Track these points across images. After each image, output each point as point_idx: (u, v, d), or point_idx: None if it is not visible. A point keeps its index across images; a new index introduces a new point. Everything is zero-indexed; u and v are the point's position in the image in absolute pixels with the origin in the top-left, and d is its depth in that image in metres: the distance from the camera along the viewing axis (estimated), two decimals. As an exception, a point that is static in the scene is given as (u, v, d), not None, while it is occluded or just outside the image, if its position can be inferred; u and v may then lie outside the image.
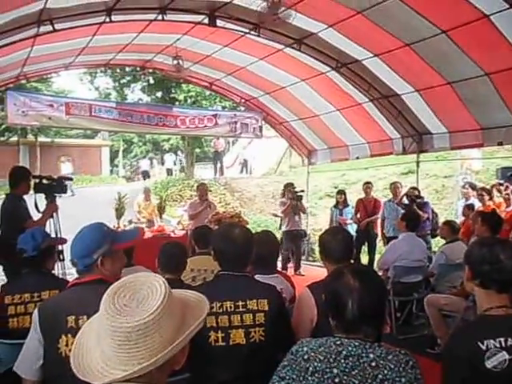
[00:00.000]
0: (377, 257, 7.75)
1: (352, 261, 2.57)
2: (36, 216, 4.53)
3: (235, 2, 5.83)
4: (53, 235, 4.31)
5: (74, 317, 1.80)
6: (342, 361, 1.42)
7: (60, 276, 4.14)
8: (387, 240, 7.27)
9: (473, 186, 7.79)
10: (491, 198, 6.72)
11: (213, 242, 2.31)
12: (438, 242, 7.63)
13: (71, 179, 5.44)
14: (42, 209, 4.63)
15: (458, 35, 5.29)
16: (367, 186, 8.37)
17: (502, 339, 1.61)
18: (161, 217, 8.60)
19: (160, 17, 5.96)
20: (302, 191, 8.57)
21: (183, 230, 7.96)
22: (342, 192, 9.02)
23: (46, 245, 2.74)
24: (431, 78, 6.25)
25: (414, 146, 7.82)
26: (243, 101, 9.71)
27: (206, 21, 6.21)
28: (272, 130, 11.12)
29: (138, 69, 9.55)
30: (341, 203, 8.71)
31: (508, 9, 4.61)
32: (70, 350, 1.56)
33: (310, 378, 1.43)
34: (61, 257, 4.60)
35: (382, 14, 5.39)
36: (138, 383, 0.99)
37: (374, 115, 7.84)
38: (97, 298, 1.09)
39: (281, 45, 6.96)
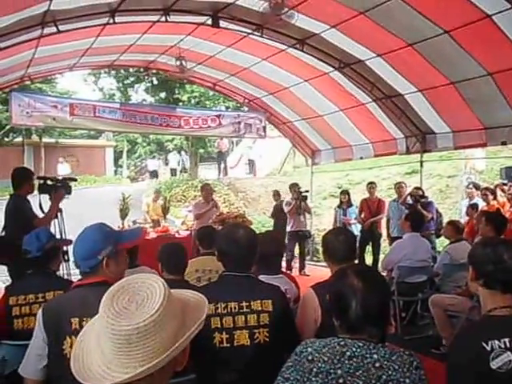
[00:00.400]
0: (381, 257, 7.75)
1: (356, 261, 2.57)
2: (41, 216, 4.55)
3: (238, 2, 5.84)
4: (58, 236, 4.34)
5: (77, 319, 1.80)
6: (346, 361, 1.42)
7: (65, 277, 4.16)
8: (392, 240, 7.25)
9: (477, 186, 7.77)
10: (495, 198, 6.71)
11: (217, 243, 2.31)
12: (442, 242, 7.61)
13: (75, 180, 5.46)
14: (46, 210, 4.65)
15: (461, 35, 5.28)
16: (371, 186, 8.36)
17: (507, 340, 1.59)
18: (165, 217, 8.61)
19: (163, 18, 5.97)
20: (307, 191, 8.58)
21: (187, 230, 7.97)
22: (345, 192, 9.02)
23: (50, 245, 2.74)
24: (434, 77, 6.24)
25: (417, 145, 7.81)
26: (247, 101, 9.72)
27: (210, 22, 6.23)
28: (275, 130, 11.11)
29: (142, 69, 9.58)
30: (345, 203, 8.70)
31: (510, 9, 4.61)
32: None
33: (314, 378, 1.43)
34: (66, 257, 4.63)
35: (384, 15, 5.39)
36: None
37: (378, 115, 7.83)
38: (100, 300, 1.08)
39: (284, 45, 6.96)
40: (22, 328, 2.54)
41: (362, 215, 8.24)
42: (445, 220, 7.19)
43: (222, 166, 19.48)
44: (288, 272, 5.39)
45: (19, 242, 2.84)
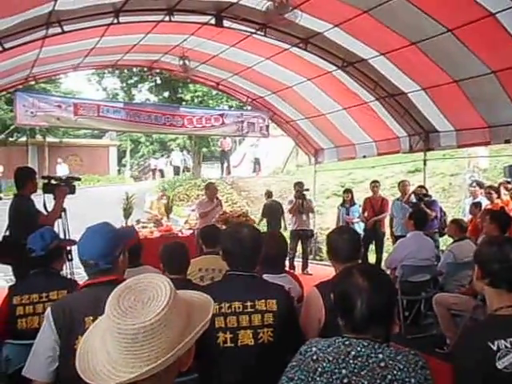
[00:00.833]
0: (384, 256, 7.74)
1: (359, 260, 2.56)
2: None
3: (242, 2, 5.84)
4: (61, 236, 4.36)
5: (91, 318, 1.79)
6: (351, 361, 1.42)
7: (68, 276, 4.18)
8: (395, 239, 7.24)
9: (480, 184, 7.74)
10: (499, 196, 6.69)
11: (221, 242, 2.30)
12: (445, 241, 7.60)
13: (79, 179, 5.48)
14: (50, 209, 4.67)
15: (464, 33, 5.26)
16: (374, 184, 8.35)
17: None
18: (168, 216, 8.63)
19: (167, 18, 5.98)
20: (307, 190, 8.55)
21: (190, 229, 7.98)
22: (348, 191, 9.01)
23: (54, 245, 2.76)
24: (437, 76, 6.23)
25: (420, 144, 7.79)
26: (250, 100, 9.72)
27: (213, 21, 6.23)
28: (278, 129, 11.12)
29: (146, 69, 9.61)
30: (348, 202, 8.69)
31: (514, 7, 4.59)
32: None
33: (318, 378, 1.42)
34: (69, 257, 4.65)
35: (387, 13, 5.37)
36: None
37: (381, 114, 7.82)
38: None
39: (287, 44, 6.96)
40: (26, 327, 2.55)
41: (366, 214, 8.23)
42: (448, 219, 7.18)
43: (225, 165, 19.50)
44: (291, 271, 5.40)
45: (23, 241, 2.86)
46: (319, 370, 1.43)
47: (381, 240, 8.14)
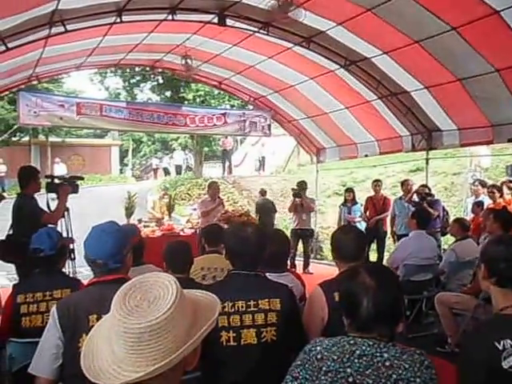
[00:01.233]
0: (385, 255, 7.74)
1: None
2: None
3: (244, 1, 5.83)
4: (64, 235, 4.37)
5: (95, 316, 1.80)
6: (356, 360, 1.41)
7: (71, 275, 4.20)
8: (398, 238, 7.24)
9: (483, 183, 7.72)
10: (501, 195, 6.67)
11: (225, 241, 2.31)
12: (447, 240, 7.59)
13: (82, 178, 5.49)
14: (53, 208, 4.69)
15: (468, 32, 5.24)
16: (376, 183, 8.34)
17: None
18: (170, 216, 8.64)
19: (170, 17, 5.98)
20: (303, 189, 8.54)
21: (192, 228, 7.99)
22: (350, 190, 8.99)
23: (61, 244, 2.77)
24: (440, 74, 6.21)
25: (423, 143, 7.78)
26: (252, 99, 9.71)
27: (216, 20, 6.22)
28: (280, 129, 11.12)
29: (148, 68, 9.60)
30: (349, 201, 8.68)
31: (519, 5, 4.58)
32: None
33: (323, 377, 1.42)
34: (72, 256, 4.67)
35: (391, 12, 5.36)
36: None
37: (383, 113, 7.80)
38: None
39: (290, 43, 6.94)
40: (30, 326, 2.56)
41: (367, 213, 8.23)
42: (450, 218, 7.17)
43: (227, 164, 19.50)
44: (293, 270, 5.41)
45: (26, 240, 2.87)
46: (324, 368, 1.43)
47: (382, 239, 8.14)
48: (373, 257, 8.22)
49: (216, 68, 8.54)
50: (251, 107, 10.26)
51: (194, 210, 9.71)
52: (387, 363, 1.40)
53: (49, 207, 4.66)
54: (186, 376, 1.87)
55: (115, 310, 1.00)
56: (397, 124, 7.90)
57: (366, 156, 9.17)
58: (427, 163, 8.24)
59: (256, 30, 6.65)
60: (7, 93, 8.68)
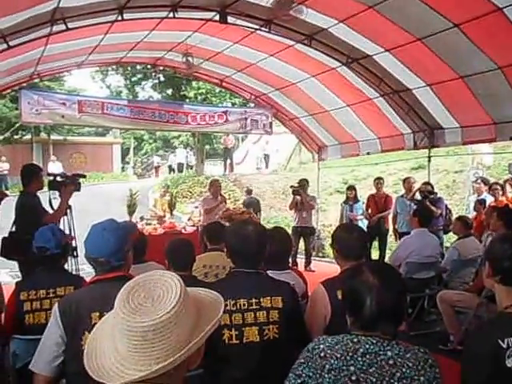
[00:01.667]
0: (387, 252, 7.73)
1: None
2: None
3: (246, -2, 5.83)
4: (66, 232, 4.39)
5: (98, 313, 1.79)
6: (359, 358, 1.41)
7: (74, 272, 4.21)
8: (400, 235, 7.23)
9: (485, 181, 7.71)
10: (504, 193, 6.66)
11: (227, 240, 2.30)
12: (449, 238, 7.58)
13: (85, 176, 5.49)
14: (55, 206, 4.70)
15: (471, 29, 5.21)
16: (378, 181, 8.34)
17: None
18: (171, 213, 8.65)
19: (171, 14, 5.96)
20: (301, 186, 8.54)
21: (194, 226, 8.00)
22: (352, 188, 8.99)
23: (64, 241, 2.78)
24: (443, 72, 6.19)
25: (425, 141, 7.76)
26: (253, 97, 9.70)
27: (217, 18, 6.21)
28: (282, 126, 11.11)
29: (149, 66, 9.61)
30: (351, 199, 8.68)
31: (522, 1, 4.55)
32: None
33: (326, 375, 1.42)
34: (75, 253, 4.68)
35: (393, 9, 5.34)
36: None
37: (385, 110, 7.78)
38: None
39: (291, 41, 6.93)
40: (33, 323, 2.58)
41: (369, 211, 8.23)
42: (453, 216, 7.15)
43: (228, 162, 19.50)
44: (295, 267, 5.41)
45: (29, 237, 2.88)
46: (327, 366, 1.43)
47: (384, 237, 8.14)
48: (374, 254, 8.21)
49: (217, 66, 8.53)
50: (252, 105, 10.25)
51: (196, 207, 9.73)
52: (391, 361, 1.40)
53: (51, 205, 4.67)
54: (188, 373, 1.89)
55: (119, 308, 0.99)
56: (399, 122, 7.88)
57: (368, 154, 9.15)
58: (429, 161, 8.22)
59: (257, 27, 6.63)
60: (9, 91, 8.67)
